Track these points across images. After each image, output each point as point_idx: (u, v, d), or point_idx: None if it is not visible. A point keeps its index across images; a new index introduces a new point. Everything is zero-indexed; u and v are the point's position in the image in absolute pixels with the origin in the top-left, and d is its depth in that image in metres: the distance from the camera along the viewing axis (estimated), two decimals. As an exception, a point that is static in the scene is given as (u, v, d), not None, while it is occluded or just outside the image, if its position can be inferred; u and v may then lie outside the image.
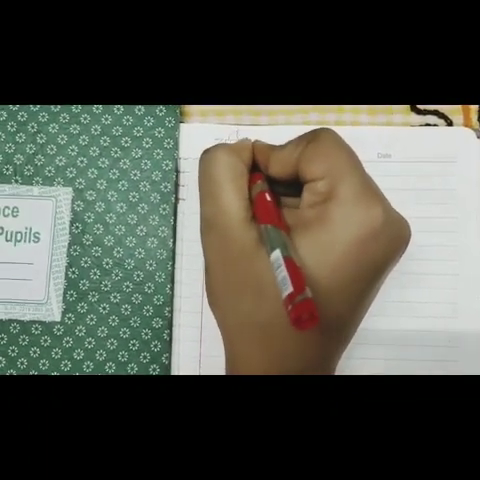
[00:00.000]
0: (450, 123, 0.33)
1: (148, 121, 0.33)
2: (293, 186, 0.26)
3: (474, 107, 0.33)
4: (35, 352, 0.32)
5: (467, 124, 0.33)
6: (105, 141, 0.33)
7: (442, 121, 0.33)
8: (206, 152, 0.27)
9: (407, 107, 0.33)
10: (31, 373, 0.31)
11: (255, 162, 0.28)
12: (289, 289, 0.22)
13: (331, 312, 0.23)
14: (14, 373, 0.31)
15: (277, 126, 0.33)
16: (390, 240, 0.24)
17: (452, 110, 0.33)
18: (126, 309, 0.32)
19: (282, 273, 0.22)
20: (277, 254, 0.23)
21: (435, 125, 0.33)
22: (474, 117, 0.33)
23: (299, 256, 0.23)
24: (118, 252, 0.32)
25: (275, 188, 0.27)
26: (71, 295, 0.32)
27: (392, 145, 0.32)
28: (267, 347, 0.24)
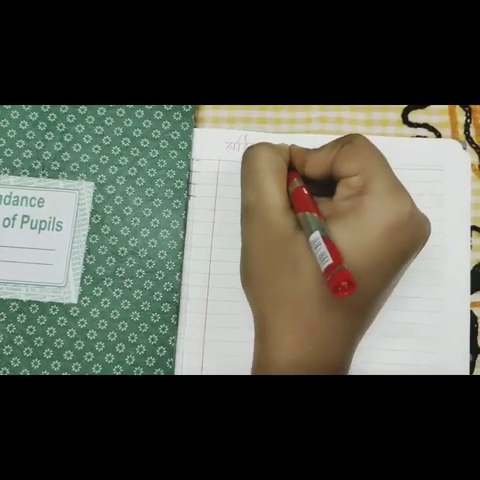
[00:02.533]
0: (439, 135, 0.36)
1: (166, 125, 0.36)
2: (325, 186, 0.29)
3: (461, 121, 0.36)
4: (51, 331, 0.34)
5: (454, 136, 0.36)
6: (126, 142, 0.36)
7: (432, 133, 0.36)
8: (250, 148, 0.30)
9: (400, 120, 0.37)
10: (46, 351, 0.34)
11: (291, 163, 0.31)
12: (328, 261, 0.24)
13: (360, 291, 0.25)
14: (30, 351, 0.34)
15: (281, 134, 0.37)
16: (414, 232, 0.27)
17: (441, 123, 0.36)
18: (138, 294, 0.35)
19: (321, 249, 0.25)
20: (316, 235, 0.25)
21: (425, 137, 0.36)
22: (461, 130, 0.36)
23: (335, 241, 0.26)
24: (133, 242, 0.35)
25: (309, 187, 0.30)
26: (88, 280, 0.35)
27: (385, 154, 0.35)
28: (299, 320, 0.26)
